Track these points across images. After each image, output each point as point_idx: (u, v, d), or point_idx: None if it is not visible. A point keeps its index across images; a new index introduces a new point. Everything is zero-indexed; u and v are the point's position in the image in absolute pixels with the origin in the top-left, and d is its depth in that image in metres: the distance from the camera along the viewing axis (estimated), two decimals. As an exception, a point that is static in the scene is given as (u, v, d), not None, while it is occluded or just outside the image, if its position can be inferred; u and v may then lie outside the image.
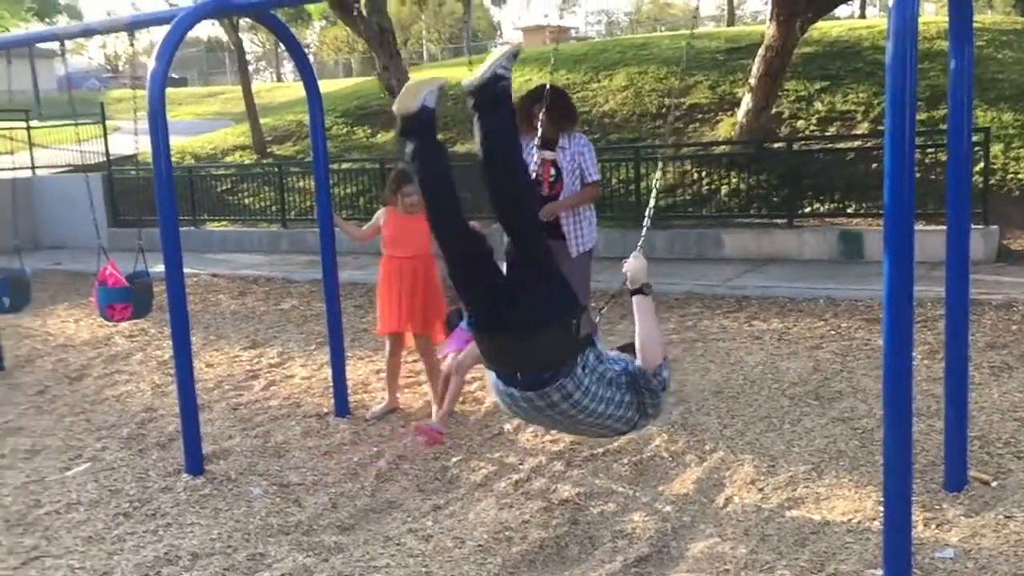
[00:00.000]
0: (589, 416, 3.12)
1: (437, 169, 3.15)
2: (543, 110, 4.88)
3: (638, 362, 3.19)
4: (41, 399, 6.37)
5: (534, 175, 5.38)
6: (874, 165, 10.16)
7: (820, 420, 4.98)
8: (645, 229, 3.53)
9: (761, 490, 4.18)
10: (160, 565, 3.75)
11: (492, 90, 3.08)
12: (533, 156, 5.40)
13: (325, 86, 5.75)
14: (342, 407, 5.64)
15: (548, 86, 4.80)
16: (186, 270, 4.86)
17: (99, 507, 4.40)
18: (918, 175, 3.07)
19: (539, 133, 5.01)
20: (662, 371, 3.20)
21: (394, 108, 3.20)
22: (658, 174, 3.57)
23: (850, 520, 3.82)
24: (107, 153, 16.77)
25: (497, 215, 3.12)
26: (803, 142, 11.38)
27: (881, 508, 3.64)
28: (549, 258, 3.20)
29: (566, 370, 2.99)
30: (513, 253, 3.15)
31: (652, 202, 3.76)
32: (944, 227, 3.98)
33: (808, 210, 10.40)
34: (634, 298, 3.19)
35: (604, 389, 3.09)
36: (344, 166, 13.93)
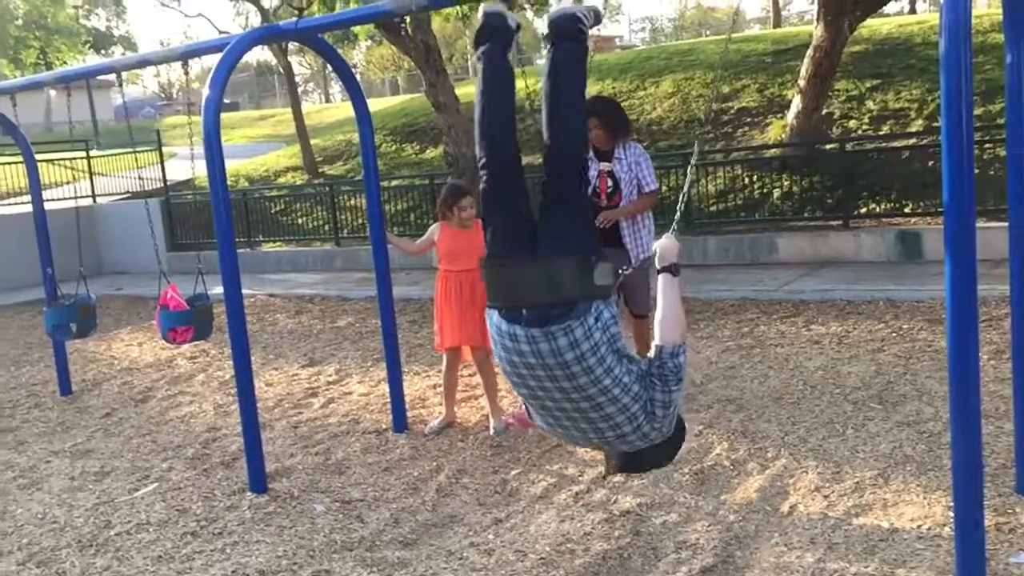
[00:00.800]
0: (592, 388, 2.81)
1: (504, 67, 3.11)
2: (597, 122, 4.93)
3: (653, 350, 3.01)
4: (108, 421, 6.53)
5: (592, 188, 5.42)
6: (931, 163, 9.97)
7: (885, 424, 4.89)
8: (679, 212, 3.47)
9: (826, 497, 4.11)
10: (228, 583, 3.81)
11: (573, 27, 3.04)
12: (590, 169, 5.44)
13: (373, 104, 5.83)
14: (400, 423, 5.68)
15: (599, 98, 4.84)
16: (243, 291, 4.94)
17: (167, 527, 4.49)
18: (976, 171, 2.99)
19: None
20: (678, 355, 2.93)
21: (480, 8, 3.21)
22: (694, 159, 3.51)
23: (920, 526, 3.74)
24: (164, 179, 17.19)
25: (547, 147, 3.06)
26: (856, 142, 11.20)
27: (951, 513, 3.57)
28: (584, 199, 3.14)
29: (577, 312, 2.77)
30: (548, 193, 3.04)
31: (687, 187, 3.69)
32: (1006, 223, 3.89)
33: (864, 211, 10.23)
34: (660, 276, 3.04)
35: (613, 358, 2.82)
36: (394, 183, 14.06)
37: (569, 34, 3.04)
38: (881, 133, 11.58)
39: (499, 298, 2.94)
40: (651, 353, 2.96)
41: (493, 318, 2.94)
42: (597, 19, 3.16)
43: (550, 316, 2.77)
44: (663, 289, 3.04)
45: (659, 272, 3.07)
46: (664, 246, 3.11)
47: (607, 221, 5.35)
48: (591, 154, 5.35)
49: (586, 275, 2.82)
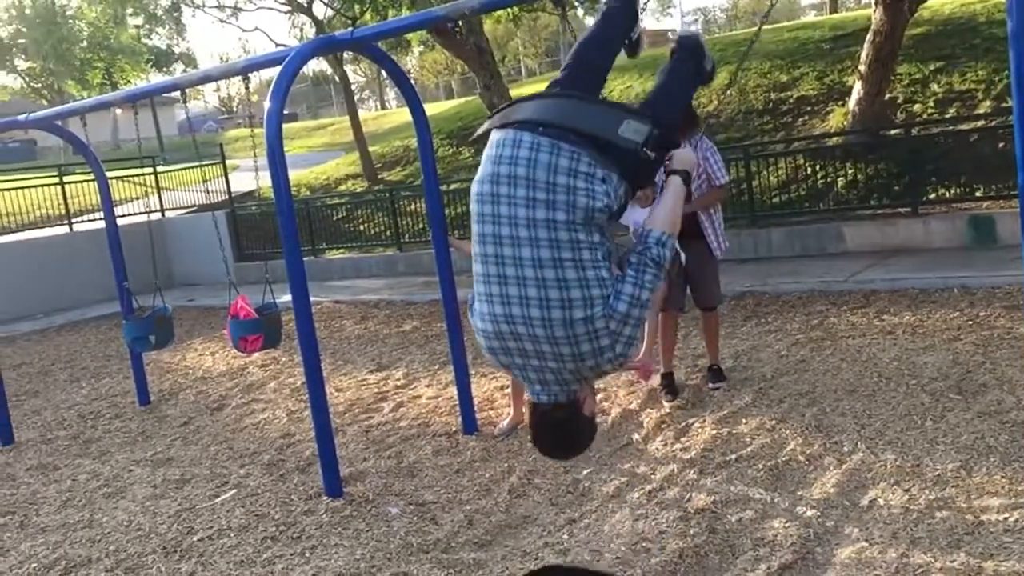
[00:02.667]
0: (563, 232, 2.56)
1: (620, 21, 3.11)
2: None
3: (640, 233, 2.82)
4: (186, 430, 6.69)
5: (659, 185, 5.44)
6: (1001, 144, 9.68)
7: (965, 415, 4.77)
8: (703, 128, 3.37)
9: (907, 490, 4.03)
10: (309, 586, 3.88)
11: (697, 43, 3.09)
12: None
13: (428, 109, 5.88)
14: (470, 424, 5.72)
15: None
16: (311, 298, 5.02)
17: (248, 532, 4.58)
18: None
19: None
20: (664, 244, 2.69)
21: None
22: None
23: (1006, 519, 3.64)
24: (229, 191, 17.55)
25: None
26: (922, 126, 10.93)
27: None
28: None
29: (593, 153, 2.61)
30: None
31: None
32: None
33: (933, 196, 9.97)
34: (670, 176, 2.89)
35: (599, 220, 2.61)
36: (452, 187, 14.15)
37: (694, 51, 3.10)
38: (947, 116, 11.28)
39: (528, 109, 2.74)
40: (636, 240, 2.78)
41: (495, 138, 2.75)
42: (710, 73, 3.17)
43: (566, 137, 2.62)
44: (670, 187, 2.86)
45: (669, 173, 2.91)
46: (681, 154, 2.96)
47: (687, 210, 5.49)
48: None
49: (622, 124, 2.68)
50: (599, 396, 5.96)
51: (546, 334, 2.59)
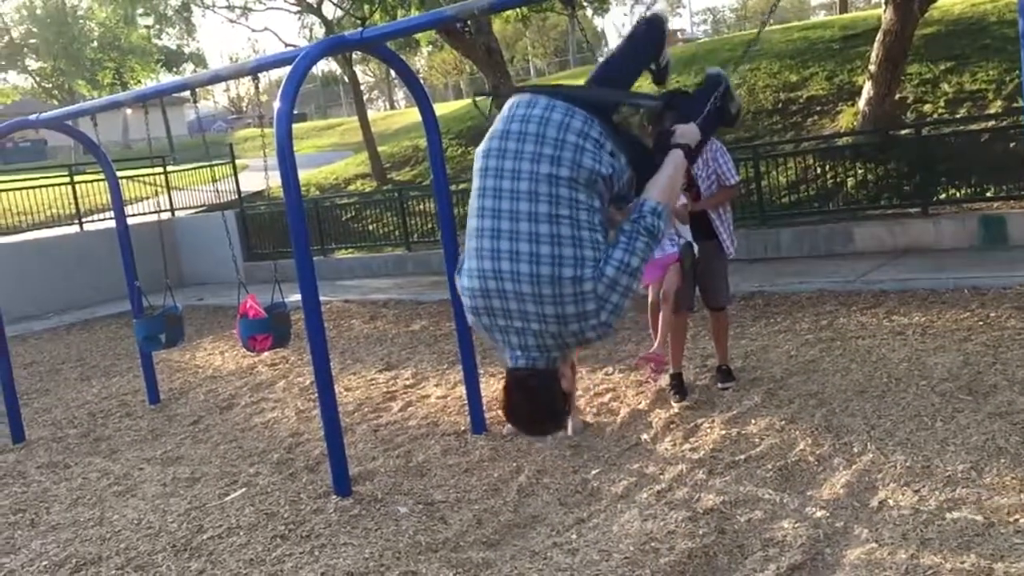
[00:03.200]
0: (564, 189, 2.58)
1: (649, 44, 3.17)
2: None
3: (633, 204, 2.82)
4: (196, 429, 6.71)
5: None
6: (1012, 144, 9.64)
7: (975, 416, 4.75)
8: (710, 104, 3.32)
9: (917, 492, 4.02)
10: (319, 585, 3.89)
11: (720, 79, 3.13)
12: None
13: (437, 109, 5.89)
14: (479, 424, 5.72)
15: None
16: (320, 298, 5.02)
17: (257, 530, 4.60)
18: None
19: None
20: (659, 214, 2.66)
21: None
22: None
23: (1017, 520, 3.63)
24: (238, 191, 17.60)
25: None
26: (932, 126, 10.89)
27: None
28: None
29: (606, 127, 2.67)
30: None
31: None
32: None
33: (943, 197, 9.94)
34: (673, 149, 2.86)
35: (600, 192, 2.64)
36: (461, 186, 14.15)
37: (715, 83, 3.15)
38: (958, 116, 11.24)
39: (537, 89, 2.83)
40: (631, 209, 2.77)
41: (510, 101, 2.82)
42: (733, 117, 3.19)
43: (584, 106, 2.70)
44: (671, 159, 2.84)
45: (672, 147, 2.89)
46: (685, 128, 2.94)
47: (696, 208, 5.58)
48: None
49: (641, 135, 2.88)
50: (607, 396, 5.99)
51: (532, 291, 2.57)
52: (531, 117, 2.67)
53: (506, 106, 2.80)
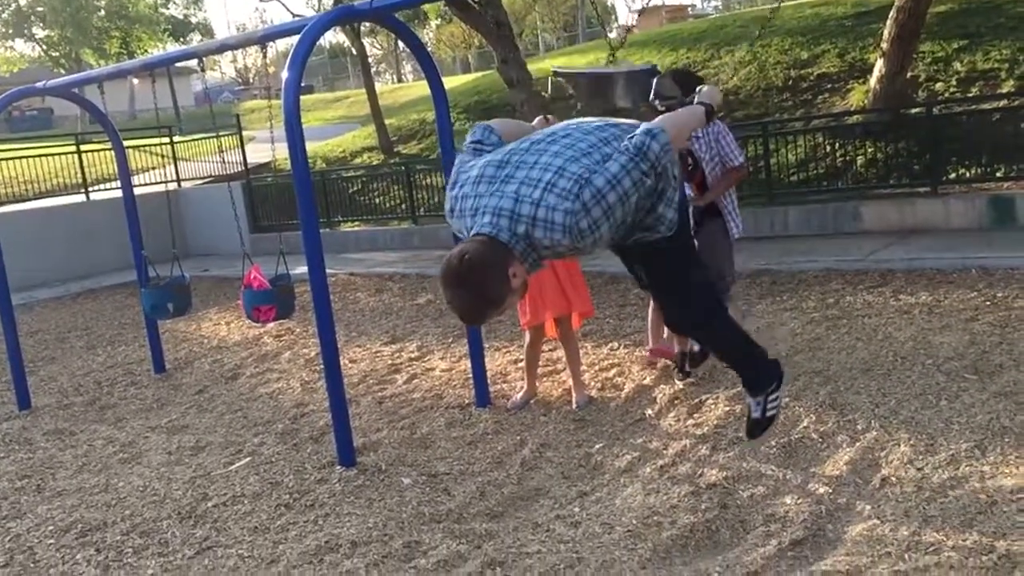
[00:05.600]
0: (599, 134, 2.79)
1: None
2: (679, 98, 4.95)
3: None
4: (201, 398, 6.74)
5: None
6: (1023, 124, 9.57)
7: (980, 395, 4.74)
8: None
9: (920, 469, 4.02)
10: (322, 553, 3.91)
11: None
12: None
13: (445, 83, 5.86)
14: (483, 397, 5.74)
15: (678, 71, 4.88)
16: (326, 270, 5.02)
17: (261, 499, 4.62)
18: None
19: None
20: (654, 135, 2.69)
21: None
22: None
23: (1020, 499, 3.62)
24: (245, 162, 17.56)
25: None
26: (944, 105, 10.80)
27: (1055, 486, 3.46)
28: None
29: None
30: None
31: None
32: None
33: (953, 176, 9.88)
34: (695, 104, 3.08)
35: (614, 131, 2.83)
36: (469, 161, 14.10)
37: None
38: (970, 95, 11.14)
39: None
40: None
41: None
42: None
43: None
44: (690, 109, 3.07)
45: (695, 103, 3.09)
46: (710, 89, 3.14)
47: (703, 202, 5.52)
48: None
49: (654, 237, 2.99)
50: (612, 371, 6.00)
51: (527, 173, 2.68)
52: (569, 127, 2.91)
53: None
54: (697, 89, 3.20)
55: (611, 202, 2.60)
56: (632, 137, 2.70)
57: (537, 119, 3.56)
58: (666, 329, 5.61)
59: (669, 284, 3.21)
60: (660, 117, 2.90)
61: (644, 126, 2.74)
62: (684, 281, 3.17)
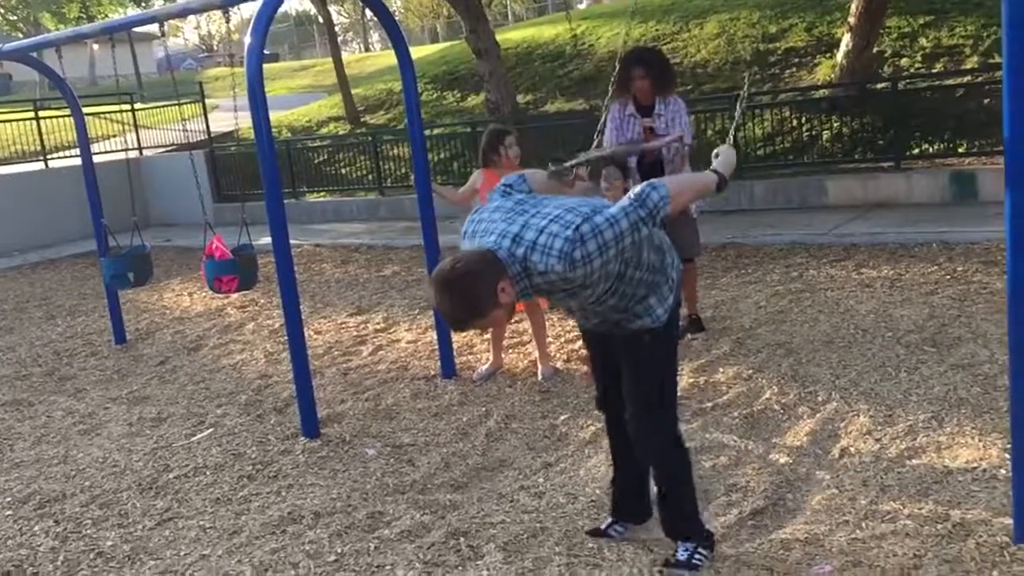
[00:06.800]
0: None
1: None
2: (642, 72, 4.98)
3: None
4: (163, 369, 6.67)
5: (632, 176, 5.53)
6: (987, 101, 9.66)
7: (939, 367, 4.82)
8: (732, 134, 3.41)
9: (879, 440, 4.08)
10: (285, 524, 3.89)
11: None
12: (633, 124, 5.51)
13: (412, 52, 5.79)
14: (449, 369, 5.73)
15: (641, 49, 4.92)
16: (290, 241, 4.96)
17: (224, 470, 4.59)
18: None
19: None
20: (658, 190, 2.79)
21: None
22: (741, 104, 3.64)
23: (975, 468, 3.69)
24: (208, 131, 17.29)
25: None
26: (909, 80, 10.89)
27: (1007, 456, 3.53)
28: None
29: None
30: None
31: (735, 122, 3.66)
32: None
33: (916, 151, 9.98)
34: (709, 171, 3.06)
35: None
36: (436, 131, 14.00)
37: None
38: (935, 71, 11.24)
39: None
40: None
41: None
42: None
43: None
44: (702, 176, 3.07)
45: (711, 167, 3.07)
46: (728, 156, 3.13)
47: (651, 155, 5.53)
48: (633, 110, 5.48)
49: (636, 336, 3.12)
50: (577, 343, 6.00)
51: (540, 209, 2.81)
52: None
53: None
54: (714, 152, 3.14)
55: (607, 239, 2.71)
56: (635, 189, 2.83)
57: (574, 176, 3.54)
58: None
59: (633, 386, 3.13)
60: (671, 177, 2.97)
61: (653, 183, 2.83)
62: (648, 389, 3.11)
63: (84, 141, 7.40)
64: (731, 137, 3.29)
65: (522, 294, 2.79)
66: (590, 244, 2.68)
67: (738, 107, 3.91)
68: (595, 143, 5.00)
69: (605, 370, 3.34)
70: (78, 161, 7.76)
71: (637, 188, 2.82)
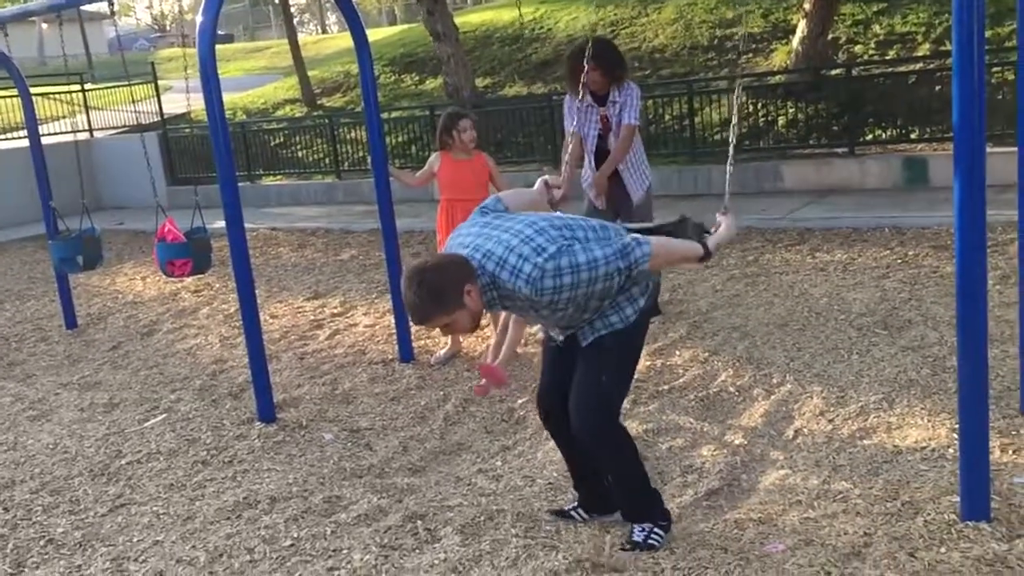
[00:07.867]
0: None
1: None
2: (594, 66, 5.04)
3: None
4: (115, 354, 6.56)
5: (596, 133, 5.57)
6: (938, 88, 9.82)
7: (890, 349, 4.90)
8: (727, 193, 3.45)
9: (831, 421, 4.15)
10: (241, 509, 3.85)
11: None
12: (590, 116, 5.55)
13: (370, 35, 5.73)
14: (407, 353, 5.71)
15: (592, 41, 4.99)
16: (246, 225, 4.90)
17: (178, 456, 4.53)
18: (985, 95, 2.92)
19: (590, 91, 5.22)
20: (643, 246, 2.86)
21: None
22: (732, 133, 3.66)
23: (924, 448, 3.77)
24: (161, 112, 16.98)
25: None
26: (862, 67, 11.02)
27: (955, 435, 3.60)
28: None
29: None
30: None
31: (729, 165, 3.72)
32: (1014, 148, 3.84)
33: (870, 137, 10.13)
34: (697, 242, 3.07)
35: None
36: (394, 115, 13.90)
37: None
38: (888, 58, 11.39)
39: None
40: None
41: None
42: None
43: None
44: (690, 244, 3.07)
45: (697, 238, 3.09)
46: (726, 230, 3.20)
47: (600, 188, 5.66)
48: (591, 100, 5.53)
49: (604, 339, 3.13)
50: (535, 327, 5.99)
51: (512, 226, 2.92)
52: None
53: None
54: (716, 221, 3.18)
55: (582, 278, 2.79)
56: (625, 238, 2.89)
57: (538, 183, 3.55)
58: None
59: (583, 378, 3.11)
60: (657, 238, 2.99)
61: (641, 239, 2.90)
62: (595, 380, 3.09)
63: (32, 122, 7.23)
64: (726, 199, 3.30)
65: (489, 305, 2.90)
66: (565, 278, 2.78)
67: (728, 165, 3.88)
68: (564, 158, 5.05)
69: (554, 364, 3.31)
70: (26, 143, 7.58)
71: (625, 239, 2.88)
